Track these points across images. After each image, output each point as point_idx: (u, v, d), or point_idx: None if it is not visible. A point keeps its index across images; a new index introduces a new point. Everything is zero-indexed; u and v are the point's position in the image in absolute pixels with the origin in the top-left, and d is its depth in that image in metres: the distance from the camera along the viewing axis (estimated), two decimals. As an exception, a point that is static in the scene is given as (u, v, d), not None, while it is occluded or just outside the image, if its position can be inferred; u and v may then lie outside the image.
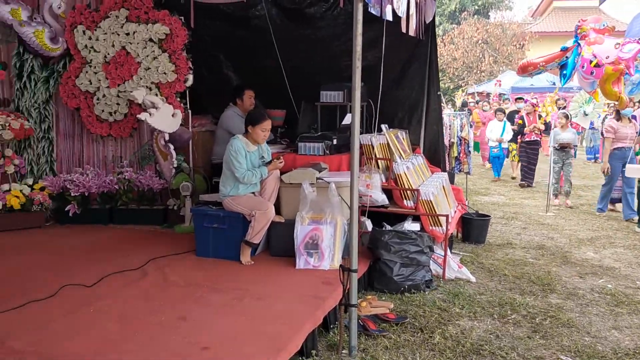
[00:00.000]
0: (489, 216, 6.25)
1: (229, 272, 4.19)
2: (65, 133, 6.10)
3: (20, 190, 5.43)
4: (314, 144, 5.08)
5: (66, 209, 5.62)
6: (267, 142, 4.84)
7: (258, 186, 4.56)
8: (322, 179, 4.52)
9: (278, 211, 4.61)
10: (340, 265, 3.34)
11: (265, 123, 4.43)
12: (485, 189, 10.33)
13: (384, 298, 4.22)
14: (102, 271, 4.15)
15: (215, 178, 5.28)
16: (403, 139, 5.68)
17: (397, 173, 4.98)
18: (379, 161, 5.09)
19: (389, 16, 3.65)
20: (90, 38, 5.73)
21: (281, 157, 4.60)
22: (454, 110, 12.53)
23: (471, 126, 14.29)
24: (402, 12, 4.05)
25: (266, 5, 6.04)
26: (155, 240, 5.16)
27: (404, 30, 4.46)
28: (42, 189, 5.59)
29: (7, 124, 5.38)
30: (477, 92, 21.13)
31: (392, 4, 3.73)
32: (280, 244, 4.51)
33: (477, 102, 17.55)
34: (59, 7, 5.65)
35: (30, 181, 5.63)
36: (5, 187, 5.43)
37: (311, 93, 5.50)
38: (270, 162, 4.54)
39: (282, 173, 4.62)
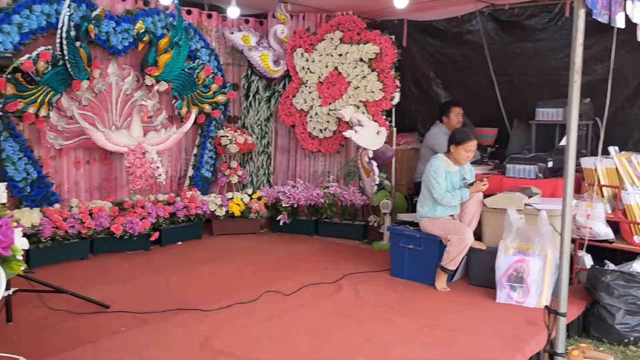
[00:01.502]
0: None
1: (422, 297, 4.02)
2: (281, 148, 6.59)
3: (241, 199, 5.98)
4: (525, 166, 4.63)
5: (277, 218, 6.03)
6: (472, 163, 4.58)
7: (458, 209, 4.30)
8: (532, 205, 4.07)
9: (479, 237, 4.29)
10: (546, 306, 2.93)
11: (469, 143, 4.17)
12: None
13: (601, 349, 3.61)
14: (301, 281, 4.32)
15: (417, 197, 5.15)
16: (638, 164, 4.85)
17: (626, 203, 4.25)
18: (603, 188, 4.41)
19: (619, 23, 3.13)
20: (307, 60, 6.11)
21: (485, 179, 4.27)
22: None
23: None
24: (639, 19, 3.45)
25: (482, 19, 5.77)
26: (354, 255, 5.22)
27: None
28: (259, 198, 6.09)
29: (233, 139, 6.00)
30: None
31: (624, 9, 3.19)
32: (479, 273, 4.18)
33: None
34: (282, 32, 6.13)
35: (249, 191, 6.17)
36: (229, 195, 6.04)
37: (526, 110, 5.07)
38: (472, 184, 4.25)
39: (485, 196, 4.28)
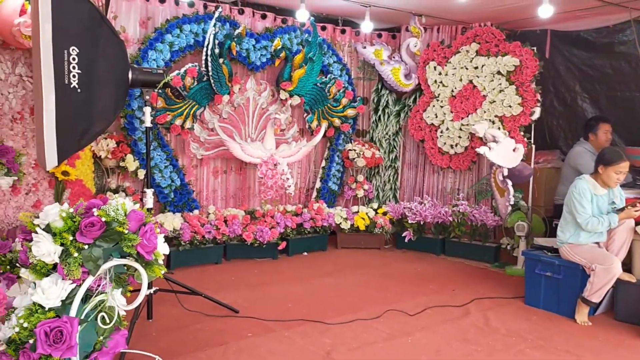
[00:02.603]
0: None
1: (559, 330, 3.69)
2: (409, 163, 6.47)
3: (366, 213, 5.97)
4: (689, 191, 4.10)
5: (403, 235, 5.92)
6: (623, 186, 4.13)
7: (604, 236, 3.90)
8: (696, 237, 3.58)
9: (629, 269, 3.86)
10: None
11: (621, 164, 3.78)
12: None
13: None
14: (426, 301, 4.19)
15: (556, 220, 4.78)
16: None
17: None
18: None
19: None
20: (440, 73, 5.95)
21: (638, 205, 3.83)
22: None
23: None
24: None
25: (637, 28, 5.26)
26: (483, 278, 4.96)
27: None
28: (385, 213, 6.03)
29: (361, 152, 6.02)
30: None
31: None
32: (628, 308, 3.76)
33: None
34: (415, 46, 6.05)
35: (375, 205, 6.14)
36: (355, 208, 6.05)
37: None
38: (622, 209, 3.84)
39: (637, 223, 3.84)
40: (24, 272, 2.05)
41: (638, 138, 5.41)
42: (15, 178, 3.26)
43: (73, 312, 2.00)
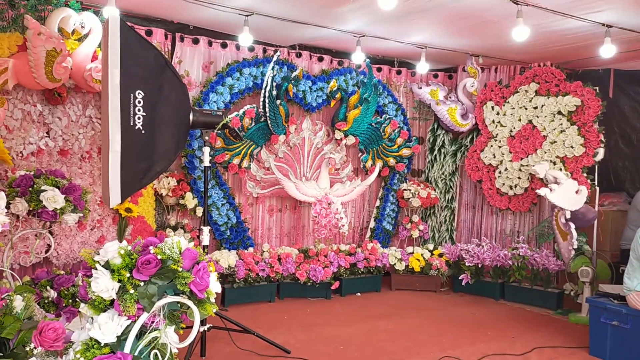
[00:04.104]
0: None
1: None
2: (466, 204, 6.35)
3: (422, 254, 5.85)
4: None
5: (460, 278, 5.75)
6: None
7: (677, 285, 3.66)
8: None
9: None
10: None
11: (693, 208, 3.56)
12: None
13: None
14: (483, 349, 4.03)
15: (623, 266, 4.53)
16: None
17: None
18: None
19: None
20: (498, 113, 5.87)
21: None
22: None
23: None
24: None
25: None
26: (545, 326, 4.73)
27: None
28: (441, 255, 5.89)
29: (416, 192, 5.96)
30: None
31: None
32: None
33: None
34: (472, 86, 6.01)
35: (430, 246, 6.02)
36: (410, 249, 5.96)
37: None
38: (697, 257, 3.60)
39: None
40: (83, 307, 2.12)
41: None
42: (81, 215, 3.41)
43: (127, 348, 2.05)
